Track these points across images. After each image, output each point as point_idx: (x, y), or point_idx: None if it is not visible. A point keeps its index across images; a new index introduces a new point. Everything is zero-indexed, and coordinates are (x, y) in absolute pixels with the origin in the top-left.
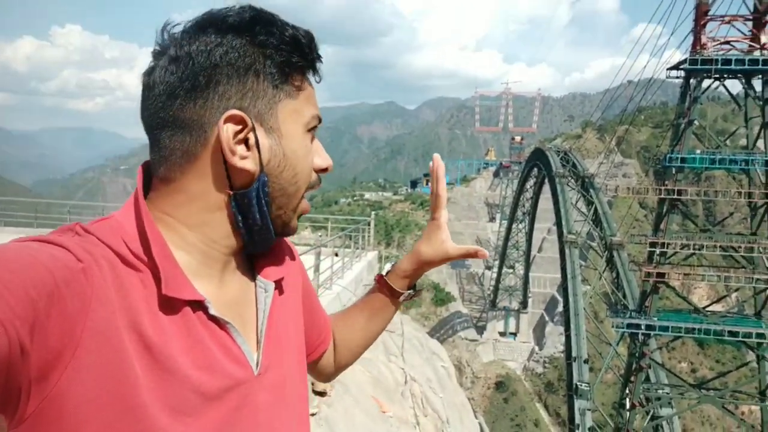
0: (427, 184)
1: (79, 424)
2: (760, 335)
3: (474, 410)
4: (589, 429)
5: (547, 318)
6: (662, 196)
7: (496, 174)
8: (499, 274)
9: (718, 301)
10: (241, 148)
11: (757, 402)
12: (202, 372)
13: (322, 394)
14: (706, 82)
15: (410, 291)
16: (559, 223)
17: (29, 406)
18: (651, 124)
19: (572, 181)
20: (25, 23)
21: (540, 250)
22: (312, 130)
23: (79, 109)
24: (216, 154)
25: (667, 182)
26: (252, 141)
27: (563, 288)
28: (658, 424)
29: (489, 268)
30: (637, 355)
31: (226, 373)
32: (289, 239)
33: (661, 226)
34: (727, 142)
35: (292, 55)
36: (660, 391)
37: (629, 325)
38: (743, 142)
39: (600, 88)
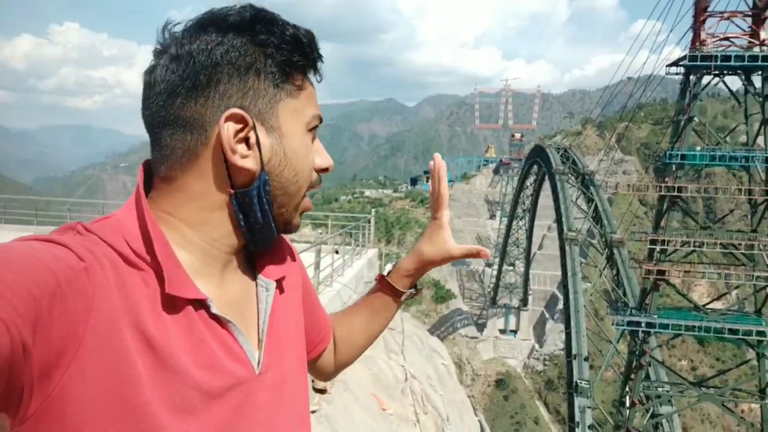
0: (427, 181)
1: (81, 423)
2: (760, 333)
3: (474, 408)
4: (588, 427)
5: (547, 315)
6: (662, 193)
7: (496, 171)
8: (500, 271)
9: (718, 298)
10: (241, 147)
11: (757, 400)
12: (204, 371)
13: (322, 391)
14: (705, 79)
15: (412, 290)
16: (559, 221)
17: (31, 406)
18: (651, 121)
19: (572, 178)
20: (23, 21)
21: (540, 247)
22: (313, 129)
23: (77, 106)
24: (217, 153)
25: (667, 179)
26: (253, 140)
27: (563, 285)
28: (658, 422)
29: (489, 265)
30: (637, 352)
31: (227, 372)
32: (288, 237)
33: (662, 224)
34: (727, 138)
35: (293, 54)
36: (660, 389)
37: (629, 323)
38: (743, 138)
39: (600, 84)
